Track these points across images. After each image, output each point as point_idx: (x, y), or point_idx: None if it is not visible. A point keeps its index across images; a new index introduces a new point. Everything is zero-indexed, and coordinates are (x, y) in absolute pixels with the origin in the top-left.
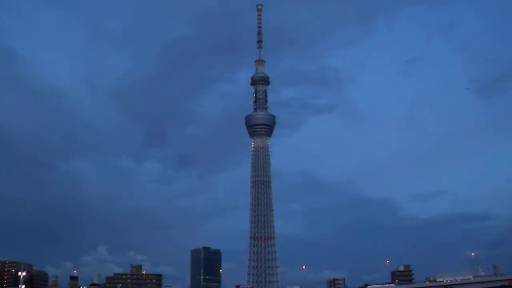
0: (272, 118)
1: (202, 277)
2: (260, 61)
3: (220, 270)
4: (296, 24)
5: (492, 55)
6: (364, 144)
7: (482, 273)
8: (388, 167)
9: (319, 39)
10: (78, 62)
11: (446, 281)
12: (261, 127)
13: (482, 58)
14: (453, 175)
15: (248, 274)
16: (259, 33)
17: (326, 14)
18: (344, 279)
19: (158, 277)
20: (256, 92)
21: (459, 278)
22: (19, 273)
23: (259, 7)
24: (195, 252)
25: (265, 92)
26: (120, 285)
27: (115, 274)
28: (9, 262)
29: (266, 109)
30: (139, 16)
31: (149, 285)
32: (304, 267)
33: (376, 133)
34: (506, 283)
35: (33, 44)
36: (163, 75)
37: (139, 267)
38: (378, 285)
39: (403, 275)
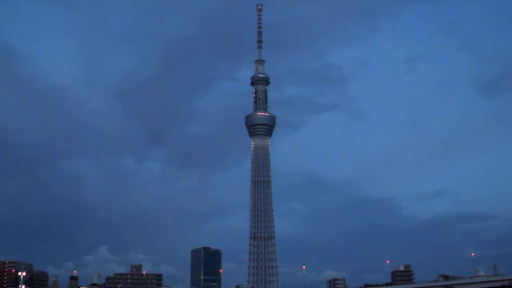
0: (272, 118)
1: (202, 277)
2: (260, 61)
3: (220, 270)
4: (298, 21)
5: (495, 54)
6: (366, 143)
7: (482, 273)
8: (389, 167)
9: (322, 36)
10: (79, 61)
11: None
12: (261, 127)
13: (486, 57)
14: (454, 175)
15: (248, 274)
16: (259, 33)
17: (328, 11)
18: (344, 279)
19: (158, 277)
20: (256, 92)
21: None
22: (19, 273)
23: (259, 7)
24: (195, 252)
25: (265, 92)
26: (120, 285)
27: (115, 274)
28: (9, 262)
29: (266, 109)
30: (140, 15)
31: (149, 285)
32: (304, 267)
33: (378, 132)
34: (506, 283)
35: (33, 42)
36: (164, 74)
37: (139, 267)
38: None
39: (403, 275)
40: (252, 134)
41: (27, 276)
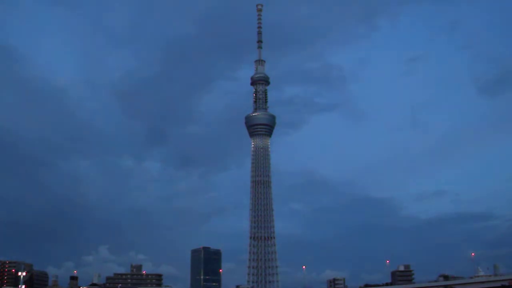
0: (272, 118)
1: (202, 277)
2: (260, 61)
3: (220, 270)
4: (298, 21)
5: (495, 54)
6: (366, 143)
7: (482, 273)
8: (390, 167)
9: (322, 36)
10: (79, 61)
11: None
12: (261, 127)
13: (486, 57)
14: (455, 175)
15: (248, 274)
16: (259, 33)
17: (328, 11)
18: (344, 279)
19: (158, 277)
20: (256, 92)
21: None
22: (19, 273)
23: (259, 7)
24: (195, 252)
25: (265, 92)
26: (120, 285)
27: (115, 274)
28: (9, 262)
29: (266, 109)
30: (140, 15)
31: (149, 285)
32: (304, 267)
33: (378, 132)
34: (506, 283)
35: (33, 42)
36: (164, 73)
37: (139, 267)
38: None
39: (403, 275)
40: (252, 134)
41: (27, 276)
